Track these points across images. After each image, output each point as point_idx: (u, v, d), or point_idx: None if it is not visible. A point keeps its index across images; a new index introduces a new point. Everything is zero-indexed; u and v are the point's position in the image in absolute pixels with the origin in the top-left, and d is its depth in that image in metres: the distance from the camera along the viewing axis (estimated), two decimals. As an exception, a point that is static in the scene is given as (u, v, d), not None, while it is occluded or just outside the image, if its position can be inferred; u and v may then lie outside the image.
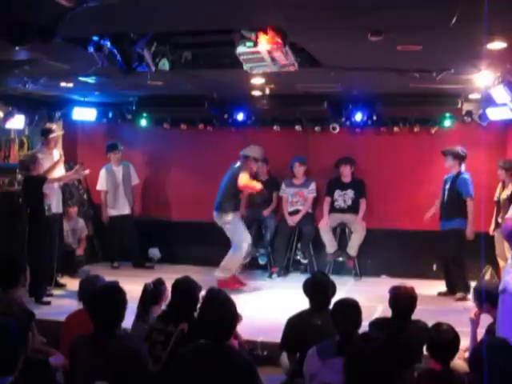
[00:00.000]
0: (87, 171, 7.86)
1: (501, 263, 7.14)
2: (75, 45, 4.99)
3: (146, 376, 3.52)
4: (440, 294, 7.42)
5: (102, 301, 3.59)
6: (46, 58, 5.43)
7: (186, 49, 5.30)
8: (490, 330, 4.45)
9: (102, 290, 3.88)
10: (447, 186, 7.46)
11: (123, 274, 7.96)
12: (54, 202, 7.46)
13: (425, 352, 3.85)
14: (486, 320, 4.61)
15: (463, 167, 7.45)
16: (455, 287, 7.28)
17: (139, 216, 9.30)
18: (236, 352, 3.48)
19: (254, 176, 7.77)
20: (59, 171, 7.61)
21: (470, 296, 5.81)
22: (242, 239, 7.49)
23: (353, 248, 8.39)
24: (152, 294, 4.67)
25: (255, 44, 4.59)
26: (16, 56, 5.34)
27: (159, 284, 4.73)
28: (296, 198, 8.65)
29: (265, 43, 4.57)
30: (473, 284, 5.96)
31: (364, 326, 3.97)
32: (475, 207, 7.19)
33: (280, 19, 4.34)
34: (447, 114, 8.06)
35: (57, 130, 7.91)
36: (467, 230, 7.19)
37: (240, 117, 8.71)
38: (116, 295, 3.65)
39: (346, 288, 7.28)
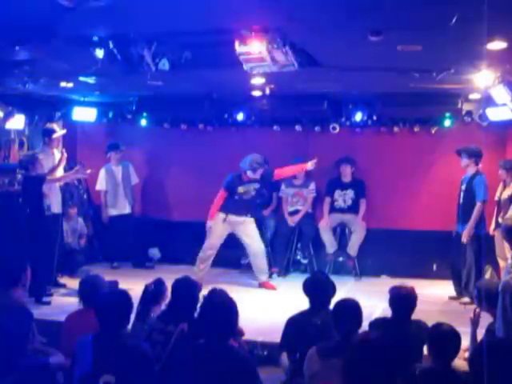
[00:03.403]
0: (89, 171, 7.85)
1: (501, 263, 7.13)
2: (75, 45, 4.99)
3: (152, 374, 3.53)
4: (450, 298, 7.28)
5: (113, 304, 3.62)
6: (46, 58, 5.43)
7: (185, 49, 5.30)
8: (490, 329, 4.46)
9: (112, 293, 3.91)
10: (463, 187, 7.21)
11: (123, 273, 7.96)
12: (54, 202, 7.45)
13: (425, 352, 3.85)
14: (486, 320, 4.62)
15: (480, 167, 7.17)
16: (463, 290, 7.21)
17: (139, 216, 9.30)
18: (236, 352, 3.48)
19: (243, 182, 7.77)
20: (58, 171, 7.60)
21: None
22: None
23: (353, 248, 8.38)
24: (152, 294, 4.67)
25: (255, 44, 4.59)
26: (16, 56, 5.35)
27: (159, 284, 4.73)
28: (296, 198, 8.65)
29: (265, 43, 4.58)
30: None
31: (364, 326, 3.97)
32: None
33: (280, 19, 4.35)
34: (447, 114, 8.05)
35: (59, 129, 7.91)
36: (464, 232, 6.98)
37: (240, 117, 8.70)
38: (125, 298, 3.71)
39: (346, 288, 7.27)
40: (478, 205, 7.00)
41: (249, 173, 7.60)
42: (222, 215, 7.71)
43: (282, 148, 8.77)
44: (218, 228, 7.74)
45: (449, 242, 7.45)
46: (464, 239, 6.98)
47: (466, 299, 6.99)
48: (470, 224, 6.98)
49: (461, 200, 7.26)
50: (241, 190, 7.70)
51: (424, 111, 8.04)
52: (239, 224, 7.73)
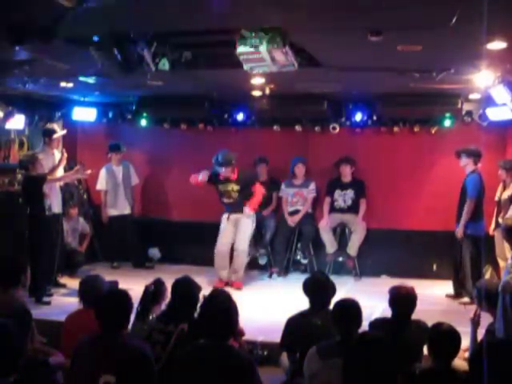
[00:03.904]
0: (89, 171, 7.86)
1: (501, 263, 7.13)
2: (75, 45, 4.99)
3: (152, 374, 3.54)
4: (447, 296, 7.35)
5: (113, 304, 3.62)
6: (46, 58, 5.43)
7: (185, 49, 5.30)
8: (490, 330, 4.46)
9: (112, 293, 3.91)
10: (461, 187, 7.28)
11: (123, 273, 7.97)
12: (55, 202, 7.46)
13: (425, 352, 3.85)
14: (486, 320, 4.62)
15: (479, 167, 7.22)
16: (462, 290, 7.23)
17: (139, 216, 9.30)
18: (236, 352, 3.48)
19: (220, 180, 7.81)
20: (58, 171, 7.59)
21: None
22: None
23: (353, 248, 8.38)
24: (152, 294, 4.66)
25: (255, 44, 4.59)
26: (16, 56, 5.35)
27: (159, 284, 4.73)
28: (296, 198, 8.65)
29: (265, 43, 4.57)
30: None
31: (364, 326, 3.97)
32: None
33: (280, 19, 4.35)
34: (447, 114, 8.04)
35: (59, 129, 7.91)
36: (457, 229, 7.06)
37: (240, 117, 8.71)
38: (125, 298, 3.71)
39: (345, 288, 7.28)
40: (468, 202, 7.04)
41: (221, 170, 7.69)
42: (225, 215, 7.84)
43: (282, 148, 8.78)
44: (225, 227, 7.83)
45: (449, 241, 7.46)
46: (458, 235, 7.05)
47: (466, 299, 7.00)
48: (462, 221, 7.04)
49: (458, 199, 7.32)
50: (221, 188, 7.82)
51: (424, 111, 8.03)
52: (239, 219, 7.82)
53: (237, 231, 7.81)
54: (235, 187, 7.73)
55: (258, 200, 7.87)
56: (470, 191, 7.09)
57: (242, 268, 7.83)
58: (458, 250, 7.23)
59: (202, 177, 7.76)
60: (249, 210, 7.78)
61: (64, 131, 8.02)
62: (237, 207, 7.77)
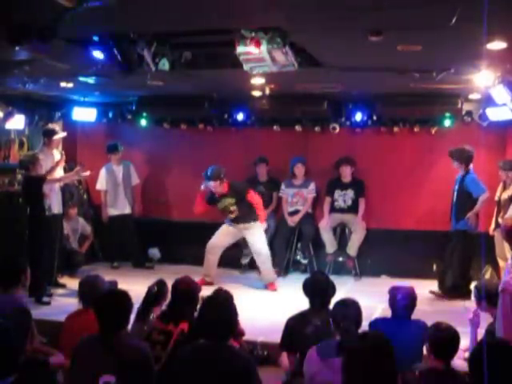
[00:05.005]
0: (88, 172, 7.85)
1: (501, 263, 7.14)
2: (75, 45, 4.99)
3: (151, 374, 3.54)
4: (431, 292, 7.35)
5: (112, 304, 3.62)
6: (46, 58, 5.43)
7: (185, 49, 5.31)
8: (490, 330, 4.46)
9: (111, 293, 3.91)
10: (456, 187, 7.34)
11: (123, 273, 7.97)
12: (55, 203, 7.45)
13: (425, 352, 3.85)
14: (486, 320, 4.62)
15: (471, 167, 7.28)
16: (453, 288, 7.25)
17: (139, 216, 9.30)
18: (235, 352, 3.48)
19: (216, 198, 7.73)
20: (58, 171, 7.59)
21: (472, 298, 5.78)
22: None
23: (353, 248, 8.38)
24: (155, 295, 4.66)
25: (255, 44, 4.59)
26: (16, 56, 5.35)
27: (162, 285, 4.72)
28: (296, 199, 8.65)
29: (265, 43, 4.58)
30: (473, 284, 5.96)
31: (364, 326, 3.97)
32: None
33: (280, 19, 4.35)
34: (447, 114, 8.04)
35: (60, 131, 7.91)
36: (469, 216, 7.13)
37: (240, 117, 8.70)
38: (124, 298, 3.72)
39: (345, 288, 7.28)
40: (483, 195, 7.13)
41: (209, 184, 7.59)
42: (229, 223, 7.81)
43: (282, 148, 8.77)
44: (224, 227, 7.80)
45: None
46: (469, 221, 7.12)
47: (435, 289, 7.23)
48: (474, 211, 7.13)
49: (454, 199, 7.36)
50: (219, 206, 7.74)
51: (424, 111, 8.02)
52: (244, 229, 7.75)
53: (250, 239, 7.74)
54: (231, 200, 7.62)
55: (261, 209, 7.68)
56: (480, 188, 7.16)
57: (271, 270, 7.80)
58: (450, 248, 7.33)
59: (204, 188, 7.68)
60: (261, 223, 7.69)
61: (64, 133, 7.99)
62: (243, 219, 7.66)
